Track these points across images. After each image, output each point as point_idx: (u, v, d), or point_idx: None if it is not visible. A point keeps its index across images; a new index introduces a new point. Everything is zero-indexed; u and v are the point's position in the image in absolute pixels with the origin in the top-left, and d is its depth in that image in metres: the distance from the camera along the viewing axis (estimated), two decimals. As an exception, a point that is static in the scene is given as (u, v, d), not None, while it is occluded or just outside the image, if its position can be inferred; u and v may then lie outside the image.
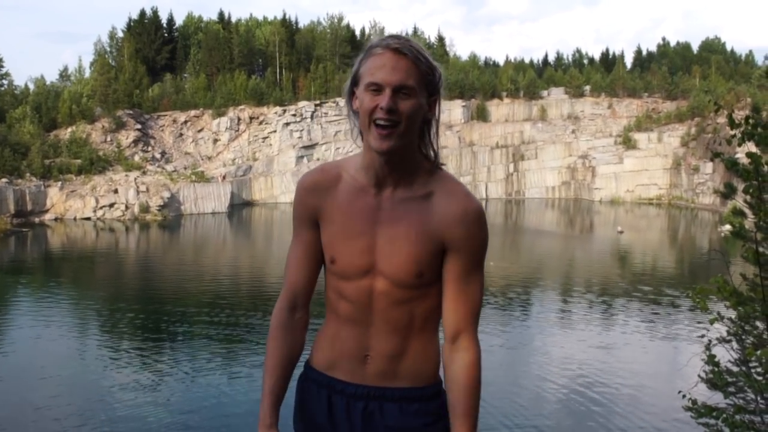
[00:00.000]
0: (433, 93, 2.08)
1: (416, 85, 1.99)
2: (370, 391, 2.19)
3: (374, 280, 2.13)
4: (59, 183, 58.88)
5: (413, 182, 2.12)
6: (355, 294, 2.15)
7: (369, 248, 2.12)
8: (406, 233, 2.09)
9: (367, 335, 2.17)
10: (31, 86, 74.58)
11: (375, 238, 2.12)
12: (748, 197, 6.35)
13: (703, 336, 8.06)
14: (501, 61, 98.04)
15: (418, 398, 2.19)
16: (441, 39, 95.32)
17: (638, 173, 77.36)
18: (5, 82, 71.45)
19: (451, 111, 78.48)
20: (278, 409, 2.25)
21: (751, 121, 6.12)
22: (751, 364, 7.38)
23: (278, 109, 76.13)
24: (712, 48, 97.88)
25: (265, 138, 75.78)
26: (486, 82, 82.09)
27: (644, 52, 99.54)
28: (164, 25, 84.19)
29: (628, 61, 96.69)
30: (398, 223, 2.11)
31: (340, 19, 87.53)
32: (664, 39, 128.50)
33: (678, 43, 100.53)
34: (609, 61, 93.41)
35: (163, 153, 70.78)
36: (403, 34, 2.06)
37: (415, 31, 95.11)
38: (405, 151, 2.06)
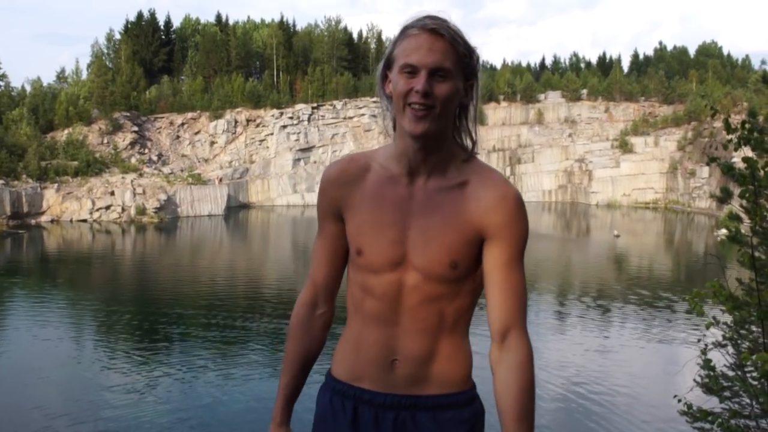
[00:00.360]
0: (470, 77, 1.98)
1: (453, 68, 1.89)
2: (401, 400, 2.04)
3: (404, 273, 1.99)
4: (56, 185, 58.81)
5: (447, 171, 2.00)
6: (382, 289, 2.02)
7: (400, 239, 1.99)
8: (440, 223, 1.97)
9: (394, 337, 2.03)
10: (28, 88, 74.69)
11: (407, 229, 1.99)
12: (744, 202, 6.35)
13: (698, 340, 8.07)
14: (498, 65, 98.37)
15: (451, 405, 2.04)
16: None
17: (635, 177, 77.50)
18: (2, 83, 71.41)
19: (448, 114, 78.48)
20: (291, 407, 2.19)
21: (747, 125, 6.13)
22: (746, 369, 7.38)
23: (275, 111, 76.17)
24: (709, 52, 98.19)
25: (262, 140, 75.79)
26: (483, 85, 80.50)
27: (641, 56, 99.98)
28: (161, 27, 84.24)
29: (625, 64, 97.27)
30: (432, 213, 1.98)
31: (338, 21, 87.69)
32: (661, 43, 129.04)
33: (675, 47, 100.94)
34: (606, 65, 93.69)
35: (159, 155, 70.76)
36: (441, 14, 1.93)
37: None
38: (440, 136, 1.95)
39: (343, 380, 2.12)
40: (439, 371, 2.03)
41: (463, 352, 2.07)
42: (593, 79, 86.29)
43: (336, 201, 2.09)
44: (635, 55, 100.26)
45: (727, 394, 7.68)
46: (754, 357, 6.01)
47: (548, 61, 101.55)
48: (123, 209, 59.19)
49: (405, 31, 1.93)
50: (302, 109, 76.95)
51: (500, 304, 1.94)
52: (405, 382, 2.04)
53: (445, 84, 1.88)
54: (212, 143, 74.64)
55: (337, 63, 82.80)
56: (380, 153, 2.09)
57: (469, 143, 2.04)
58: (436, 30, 1.87)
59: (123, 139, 68.41)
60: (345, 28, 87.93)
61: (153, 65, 79.81)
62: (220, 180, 69.86)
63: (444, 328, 2.02)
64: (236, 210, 68.69)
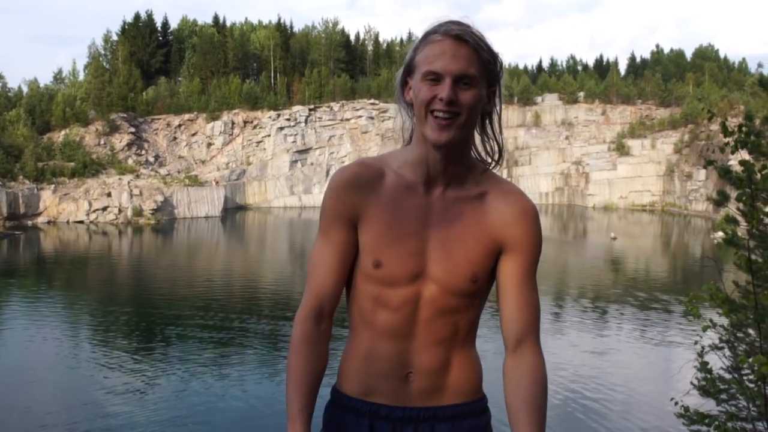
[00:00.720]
0: (493, 83, 1.91)
1: (477, 75, 1.82)
2: (419, 412, 1.98)
3: (423, 286, 1.93)
4: (52, 186, 58.78)
5: (465, 181, 1.96)
6: (399, 302, 1.94)
7: (419, 251, 1.92)
8: (460, 235, 1.93)
9: (408, 350, 1.96)
10: (25, 89, 74.67)
11: (426, 241, 1.93)
12: (741, 205, 6.36)
13: (695, 343, 8.07)
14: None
15: (469, 414, 2.02)
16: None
17: (631, 180, 77.60)
18: (-1, 84, 71.36)
19: (446, 116, 78.74)
20: (309, 430, 1.95)
21: (744, 129, 6.14)
22: (743, 372, 7.39)
23: (272, 113, 76.16)
24: (706, 55, 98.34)
25: (259, 142, 75.77)
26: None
27: (638, 59, 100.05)
28: (159, 28, 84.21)
29: (622, 67, 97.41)
30: (452, 224, 1.94)
31: (335, 23, 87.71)
32: (657, 46, 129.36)
33: (672, 51, 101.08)
34: (603, 68, 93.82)
35: (156, 157, 70.70)
36: (464, 20, 1.86)
37: (410, 36, 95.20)
38: (463, 145, 1.90)
39: (354, 396, 2.03)
40: (454, 381, 2.00)
41: (474, 361, 2.05)
42: (590, 81, 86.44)
43: (351, 207, 1.97)
44: (632, 58, 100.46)
45: (723, 396, 7.70)
46: (750, 360, 6.02)
47: (545, 64, 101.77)
48: (120, 210, 59.16)
49: (427, 37, 1.86)
50: (299, 110, 76.94)
51: (516, 317, 1.94)
52: (421, 394, 1.99)
53: (470, 91, 1.82)
54: (209, 145, 74.60)
55: (335, 65, 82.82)
56: (393, 159, 2.01)
57: (491, 152, 2.01)
58: (461, 36, 1.81)
59: (120, 140, 68.36)
60: (342, 30, 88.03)
61: (150, 66, 79.75)
62: (217, 182, 69.82)
63: (458, 340, 1.99)
64: (233, 212, 68.67)
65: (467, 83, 1.82)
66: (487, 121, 1.97)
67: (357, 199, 1.95)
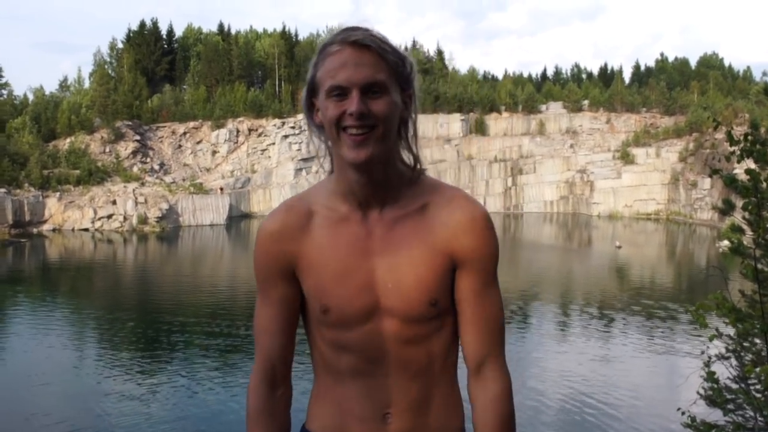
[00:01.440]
0: (407, 87, 1.73)
1: (387, 80, 1.65)
2: None
3: (379, 322, 1.75)
4: (57, 193, 58.91)
5: (401, 196, 1.77)
6: (360, 344, 1.77)
7: (367, 285, 1.74)
8: (408, 257, 1.74)
9: (384, 389, 1.79)
10: (31, 96, 74.92)
11: (372, 272, 1.75)
12: (746, 214, 6.35)
13: (702, 352, 8.05)
14: (500, 75, 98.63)
15: None
16: (440, 53, 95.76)
17: (636, 188, 77.44)
18: (4, 92, 71.80)
19: (450, 124, 78.81)
20: None
21: (750, 137, 6.14)
22: (750, 381, 7.36)
23: (277, 121, 76.25)
24: (711, 64, 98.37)
25: (263, 150, 75.85)
26: (485, 96, 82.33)
27: (643, 68, 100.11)
28: (164, 36, 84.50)
29: (627, 76, 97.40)
30: (396, 247, 1.75)
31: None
32: (662, 54, 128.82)
33: (676, 59, 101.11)
34: (607, 76, 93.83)
35: (161, 164, 70.80)
36: (362, 24, 1.69)
37: (414, 44, 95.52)
38: (385, 159, 1.71)
39: None
40: (435, 420, 1.83)
41: (455, 396, 1.88)
42: (595, 90, 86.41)
43: (283, 260, 1.82)
44: (637, 67, 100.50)
45: (730, 406, 7.67)
46: (757, 369, 6.00)
47: (550, 72, 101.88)
48: (125, 218, 59.23)
49: (324, 50, 1.69)
50: (304, 118, 76.89)
51: (475, 335, 1.79)
52: None
53: (382, 99, 1.65)
54: (214, 153, 74.71)
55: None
56: (319, 192, 1.84)
57: (411, 161, 1.81)
58: (360, 41, 1.65)
59: (125, 148, 68.50)
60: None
61: (155, 74, 79.98)
62: (222, 189, 69.89)
63: (434, 369, 1.82)
64: (238, 219, 68.71)
65: (377, 91, 1.65)
66: (402, 129, 1.77)
67: (289, 248, 1.81)
